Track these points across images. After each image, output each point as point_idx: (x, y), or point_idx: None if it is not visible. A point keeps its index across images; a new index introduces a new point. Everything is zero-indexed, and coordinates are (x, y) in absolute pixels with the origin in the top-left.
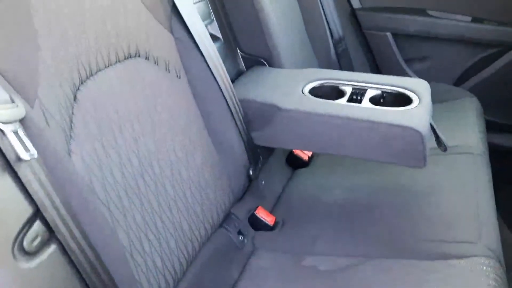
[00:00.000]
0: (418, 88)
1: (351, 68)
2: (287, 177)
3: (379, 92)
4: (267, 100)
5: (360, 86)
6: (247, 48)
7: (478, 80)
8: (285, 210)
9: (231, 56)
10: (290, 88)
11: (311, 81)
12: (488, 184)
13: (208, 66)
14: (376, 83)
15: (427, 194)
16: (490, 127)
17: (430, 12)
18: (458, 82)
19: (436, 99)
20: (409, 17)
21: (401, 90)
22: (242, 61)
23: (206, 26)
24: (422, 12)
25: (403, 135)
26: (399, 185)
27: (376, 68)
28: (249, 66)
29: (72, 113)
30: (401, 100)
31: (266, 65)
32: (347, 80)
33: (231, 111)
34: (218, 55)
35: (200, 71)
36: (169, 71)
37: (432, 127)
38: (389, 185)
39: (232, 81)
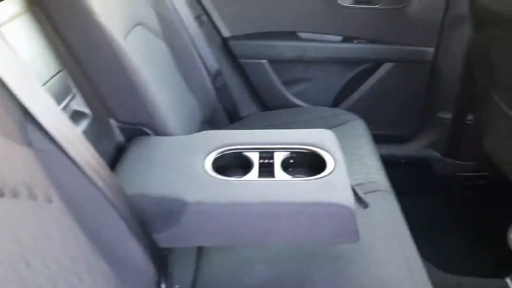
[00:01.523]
0: (326, 143)
1: (231, 101)
2: (198, 260)
3: (287, 153)
4: (167, 193)
5: (266, 149)
6: (124, 117)
7: (357, 97)
8: None
9: (106, 131)
10: (190, 167)
11: (211, 151)
12: (405, 224)
13: (84, 174)
14: (282, 143)
15: (356, 254)
16: (376, 141)
17: (301, 35)
18: (337, 101)
19: (323, 124)
20: (282, 43)
21: (311, 148)
22: (121, 133)
23: (68, 103)
24: (293, 35)
25: (332, 213)
26: (326, 249)
27: (256, 95)
28: (130, 138)
29: None
30: (312, 158)
31: (149, 134)
32: (248, 142)
33: (121, 215)
34: (96, 154)
35: (75, 184)
36: (35, 198)
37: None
38: (316, 250)
39: (112, 165)
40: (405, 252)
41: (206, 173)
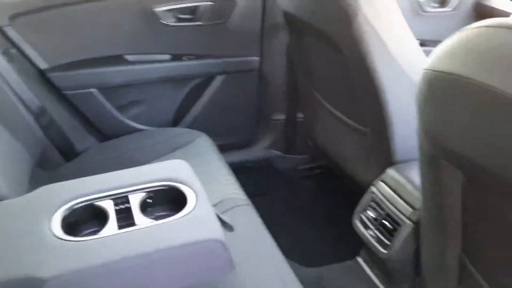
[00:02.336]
0: (181, 175)
1: (63, 138)
2: None
3: (144, 194)
4: (15, 274)
5: (119, 194)
6: None
7: (196, 112)
8: None
9: None
10: (35, 234)
11: (55, 210)
12: (269, 236)
13: None
14: (135, 184)
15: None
16: (222, 151)
17: (128, 57)
18: (177, 119)
19: (169, 146)
20: (110, 69)
21: (168, 184)
22: None
23: None
24: (121, 59)
25: (204, 250)
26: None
27: (91, 126)
28: None
29: None
30: (170, 193)
31: None
32: (97, 190)
33: None
34: None
35: None
36: None
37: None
38: None
39: None
40: (278, 268)
41: (56, 237)
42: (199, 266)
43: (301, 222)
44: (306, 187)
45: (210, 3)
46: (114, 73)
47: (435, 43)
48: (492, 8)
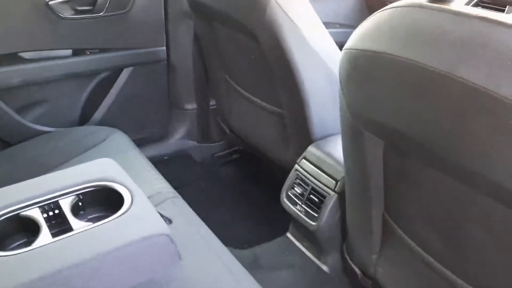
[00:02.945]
0: (110, 173)
1: None
2: None
3: (74, 197)
4: None
5: (47, 200)
6: None
7: (105, 109)
8: None
9: None
10: None
11: None
12: (203, 224)
13: None
14: (63, 187)
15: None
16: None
17: (24, 55)
18: (84, 118)
19: (83, 146)
20: (4, 69)
21: (99, 184)
22: None
23: None
24: (15, 57)
25: (151, 246)
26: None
27: None
28: None
29: None
30: (103, 193)
31: None
32: (21, 200)
33: None
34: None
35: None
36: None
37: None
38: None
39: None
40: (219, 254)
41: None
42: (147, 263)
43: (227, 209)
44: (225, 174)
45: None
46: (9, 73)
47: (333, 25)
48: None
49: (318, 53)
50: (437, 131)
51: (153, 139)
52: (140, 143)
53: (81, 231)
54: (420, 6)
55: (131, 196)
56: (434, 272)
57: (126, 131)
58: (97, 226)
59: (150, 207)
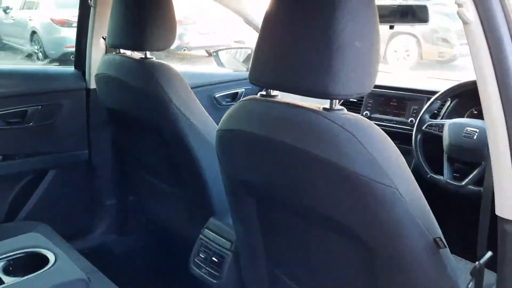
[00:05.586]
0: (38, 243)
1: None
2: None
3: (4, 262)
4: None
5: None
6: None
7: (29, 208)
8: None
9: None
10: None
11: None
12: None
13: None
14: None
15: None
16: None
17: None
18: (10, 216)
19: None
20: None
21: (26, 250)
22: None
23: None
24: None
25: None
26: None
27: None
28: None
29: None
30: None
31: None
32: None
33: None
34: None
35: None
36: None
37: None
38: None
39: None
40: None
41: None
42: None
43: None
44: (139, 267)
45: (37, 106)
46: None
47: None
48: None
49: (210, 141)
50: (279, 181)
51: (77, 233)
52: (65, 237)
53: (11, 284)
54: (255, 99)
55: (55, 256)
56: None
57: (52, 226)
58: (24, 279)
59: (70, 263)
